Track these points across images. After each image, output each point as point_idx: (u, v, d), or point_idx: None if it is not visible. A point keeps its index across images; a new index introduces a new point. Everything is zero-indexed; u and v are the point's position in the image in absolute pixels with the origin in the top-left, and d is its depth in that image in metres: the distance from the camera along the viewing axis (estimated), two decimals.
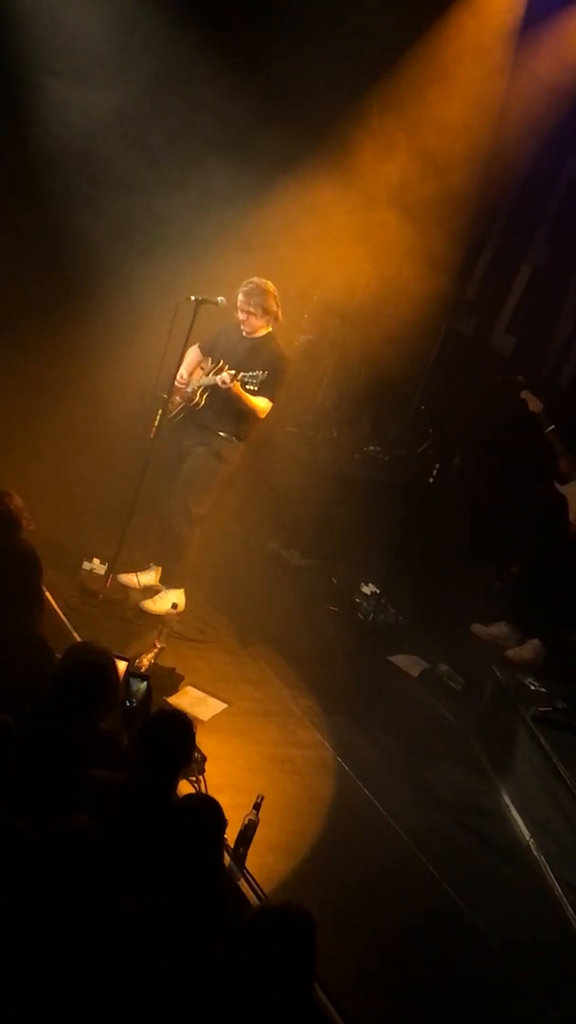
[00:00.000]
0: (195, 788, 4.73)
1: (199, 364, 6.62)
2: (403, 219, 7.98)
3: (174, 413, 6.53)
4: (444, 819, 5.54)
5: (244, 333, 6.42)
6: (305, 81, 7.68)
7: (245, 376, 6.08)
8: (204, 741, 4.82)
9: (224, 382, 6.06)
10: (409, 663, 6.99)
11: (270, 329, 6.44)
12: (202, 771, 4.81)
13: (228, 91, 7.56)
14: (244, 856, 4.35)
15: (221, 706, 5.70)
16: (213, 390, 6.31)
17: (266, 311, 6.33)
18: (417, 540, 7.48)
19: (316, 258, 7.82)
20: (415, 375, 9.16)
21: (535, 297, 8.76)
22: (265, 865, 4.50)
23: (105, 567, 6.44)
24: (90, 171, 7.64)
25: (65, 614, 5.92)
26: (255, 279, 6.36)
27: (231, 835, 4.24)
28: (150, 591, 6.58)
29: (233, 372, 6.08)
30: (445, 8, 8.00)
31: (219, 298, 6.18)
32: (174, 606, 6.16)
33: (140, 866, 3.43)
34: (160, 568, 6.67)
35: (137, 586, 6.54)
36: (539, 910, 5.10)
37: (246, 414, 6.31)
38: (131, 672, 4.83)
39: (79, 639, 5.50)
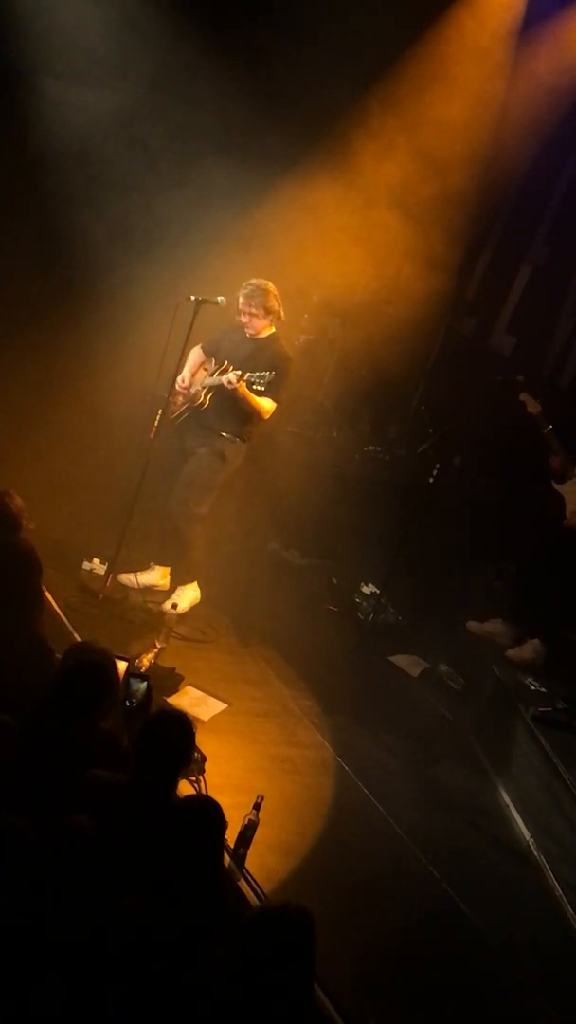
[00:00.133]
0: (195, 788, 4.73)
1: (202, 365, 6.63)
2: (403, 219, 7.98)
3: (177, 413, 6.54)
4: (444, 819, 5.54)
5: (248, 334, 6.42)
6: (305, 81, 7.69)
7: (252, 376, 6.07)
8: (204, 741, 4.82)
9: (230, 382, 6.06)
10: (409, 663, 7.00)
11: (273, 329, 6.44)
12: (202, 771, 4.81)
13: (228, 91, 7.56)
14: (244, 856, 4.35)
15: (221, 706, 5.70)
16: (218, 390, 6.31)
17: (268, 311, 6.33)
18: (417, 540, 7.48)
19: (316, 258, 7.83)
20: (415, 375, 9.16)
21: (535, 297, 8.76)
22: (265, 865, 4.50)
23: (105, 567, 6.44)
24: (90, 171, 7.64)
25: (65, 614, 5.91)
26: (255, 280, 6.36)
27: (231, 835, 4.23)
28: (150, 591, 6.59)
29: (239, 372, 6.08)
30: (445, 8, 8.00)
31: (219, 298, 6.18)
32: (174, 606, 6.18)
33: (140, 866, 3.43)
34: (162, 568, 6.68)
35: (137, 586, 6.54)
36: (539, 910, 5.10)
37: (250, 415, 6.32)
38: (131, 672, 4.83)
39: (79, 639, 5.50)
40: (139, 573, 6.60)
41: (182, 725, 3.99)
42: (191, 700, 5.64)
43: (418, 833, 5.20)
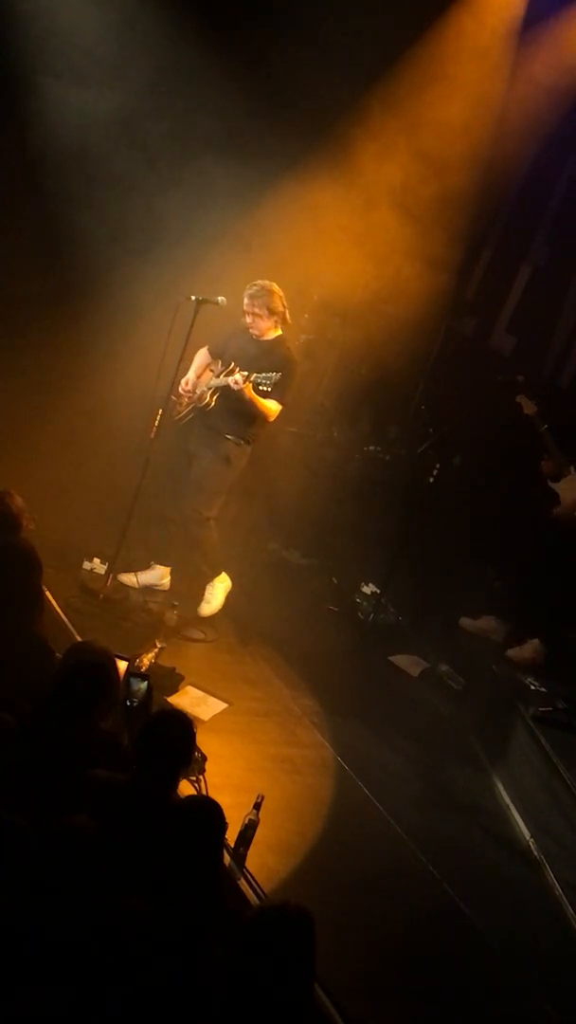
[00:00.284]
0: (195, 788, 4.73)
1: (208, 366, 6.63)
2: (403, 219, 7.97)
3: (182, 414, 6.54)
4: (444, 819, 5.54)
5: (253, 336, 6.42)
6: (305, 81, 7.69)
7: (258, 378, 6.07)
8: (204, 741, 4.82)
9: (236, 383, 6.07)
10: (409, 663, 7.00)
11: (280, 332, 6.44)
12: (202, 771, 4.82)
13: (228, 91, 7.56)
14: (244, 856, 4.35)
15: (221, 706, 5.70)
16: (224, 391, 6.31)
17: (272, 311, 6.33)
18: (417, 540, 7.49)
19: (316, 258, 7.82)
20: (415, 375, 9.16)
21: (535, 297, 8.76)
22: (265, 865, 4.50)
23: (105, 567, 6.44)
24: (89, 171, 7.64)
25: (65, 614, 5.92)
26: (259, 281, 6.36)
27: (231, 835, 4.24)
28: (151, 590, 6.60)
29: (245, 374, 6.08)
30: (445, 8, 7.99)
31: (219, 298, 6.18)
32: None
33: (140, 866, 3.44)
34: (163, 567, 6.68)
35: (137, 585, 6.55)
36: (539, 910, 5.10)
37: (255, 417, 6.32)
38: (131, 672, 4.84)
39: (79, 639, 5.50)
40: (139, 572, 6.61)
41: (182, 725, 3.99)
42: (191, 700, 5.64)
43: (418, 833, 5.20)
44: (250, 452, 6.55)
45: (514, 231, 8.99)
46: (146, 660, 5.41)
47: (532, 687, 6.33)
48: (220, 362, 6.54)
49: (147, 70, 7.47)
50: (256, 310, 6.32)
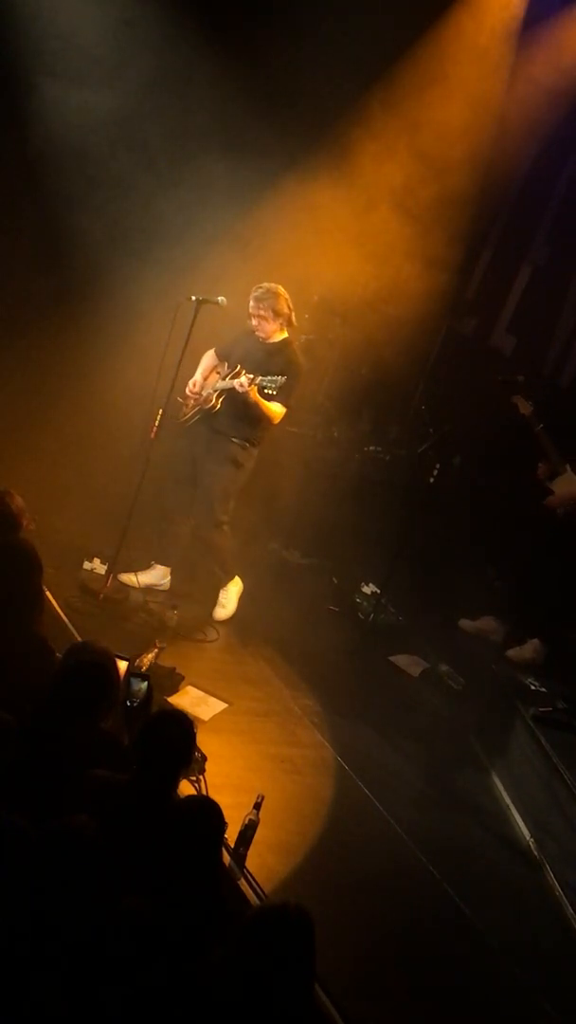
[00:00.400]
0: (195, 788, 4.73)
1: (215, 369, 6.64)
2: (403, 219, 7.97)
3: (188, 416, 6.55)
4: (444, 819, 5.54)
5: (259, 339, 6.43)
6: (305, 81, 7.69)
7: (264, 380, 6.08)
8: (204, 741, 4.82)
9: (242, 385, 6.08)
10: (409, 663, 7.00)
11: (286, 334, 6.45)
12: (202, 771, 4.82)
13: (227, 91, 7.56)
14: (244, 856, 4.35)
15: (222, 706, 5.70)
16: (230, 394, 6.33)
17: (277, 314, 6.34)
18: (417, 540, 7.48)
19: (316, 258, 7.82)
20: (415, 375, 9.16)
21: (535, 297, 8.76)
22: (265, 865, 4.50)
23: (106, 567, 6.45)
24: (89, 171, 7.64)
25: (65, 614, 5.92)
26: (265, 284, 6.38)
27: (231, 835, 4.24)
28: (151, 590, 6.60)
29: (251, 376, 6.09)
30: (445, 9, 7.99)
31: (220, 298, 6.19)
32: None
33: (140, 866, 3.44)
34: (163, 567, 6.69)
35: (137, 585, 6.55)
36: (539, 910, 5.10)
37: (260, 419, 6.33)
38: (132, 672, 4.84)
39: (79, 639, 5.50)
40: (140, 572, 6.61)
41: (182, 725, 4.00)
42: (191, 700, 5.64)
43: (418, 833, 5.20)
44: (257, 454, 6.56)
45: (514, 231, 8.99)
46: (146, 660, 5.41)
47: (532, 687, 6.33)
48: (227, 364, 6.56)
49: (147, 70, 7.47)
50: (262, 312, 6.33)
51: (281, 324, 6.41)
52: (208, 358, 6.69)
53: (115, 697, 4.35)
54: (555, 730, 5.88)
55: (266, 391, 6.10)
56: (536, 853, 5.42)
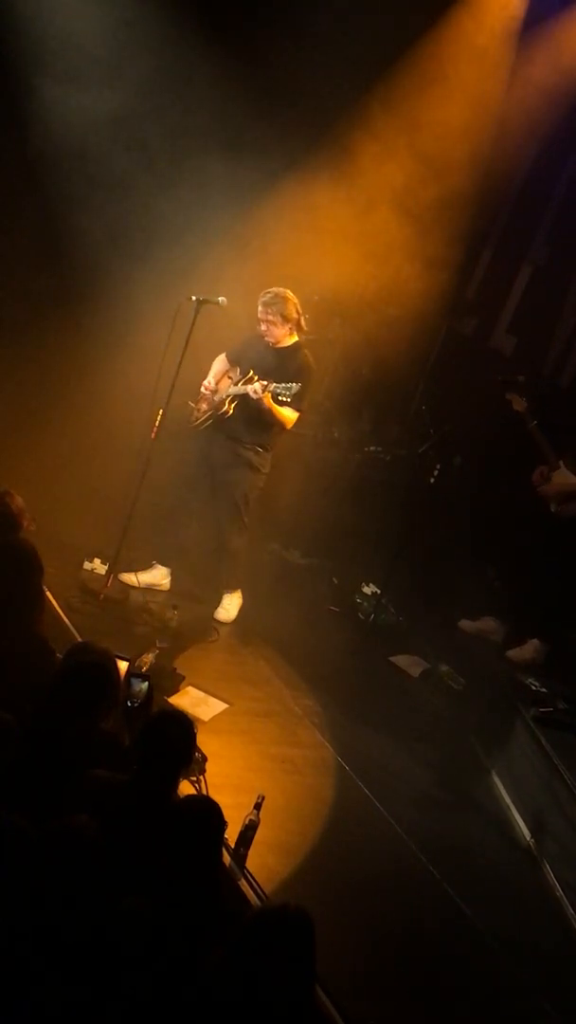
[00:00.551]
0: (196, 788, 4.73)
1: (226, 373, 6.64)
2: (403, 219, 7.97)
3: (200, 420, 6.56)
4: (444, 819, 5.54)
5: (269, 343, 6.42)
6: (305, 81, 7.69)
7: (278, 388, 6.09)
8: (205, 741, 4.82)
9: (256, 392, 6.09)
10: (410, 663, 7.00)
11: (296, 338, 6.46)
12: (203, 771, 4.81)
13: (227, 91, 7.56)
14: (244, 856, 4.35)
15: (222, 706, 5.70)
16: (242, 400, 6.33)
17: (286, 319, 6.34)
18: (418, 540, 7.48)
19: (316, 258, 7.81)
20: (416, 375, 9.16)
21: (536, 297, 8.76)
22: (266, 865, 4.50)
23: (106, 567, 6.45)
24: (89, 171, 7.64)
25: (66, 614, 5.92)
26: (273, 288, 6.38)
27: (232, 835, 4.24)
28: (151, 590, 6.61)
29: (264, 383, 6.10)
30: (444, 9, 7.99)
31: (220, 298, 6.19)
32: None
33: (140, 866, 3.44)
34: (164, 567, 6.68)
35: (137, 584, 6.55)
36: (539, 910, 5.10)
37: (273, 424, 6.36)
38: (132, 672, 4.84)
39: (80, 639, 5.50)
40: (140, 572, 6.61)
41: (183, 725, 4.00)
42: (192, 700, 5.64)
43: (418, 833, 5.20)
44: (271, 458, 6.59)
45: (514, 231, 8.99)
46: (147, 660, 5.40)
47: (532, 687, 6.33)
48: (238, 369, 6.55)
49: (146, 70, 7.47)
50: (270, 318, 6.33)
51: (291, 328, 6.41)
52: (219, 362, 6.69)
53: (115, 697, 4.35)
54: (555, 730, 5.89)
55: (280, 398, 6.11)
56: (536, 853, 5.42)
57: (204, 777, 4.80)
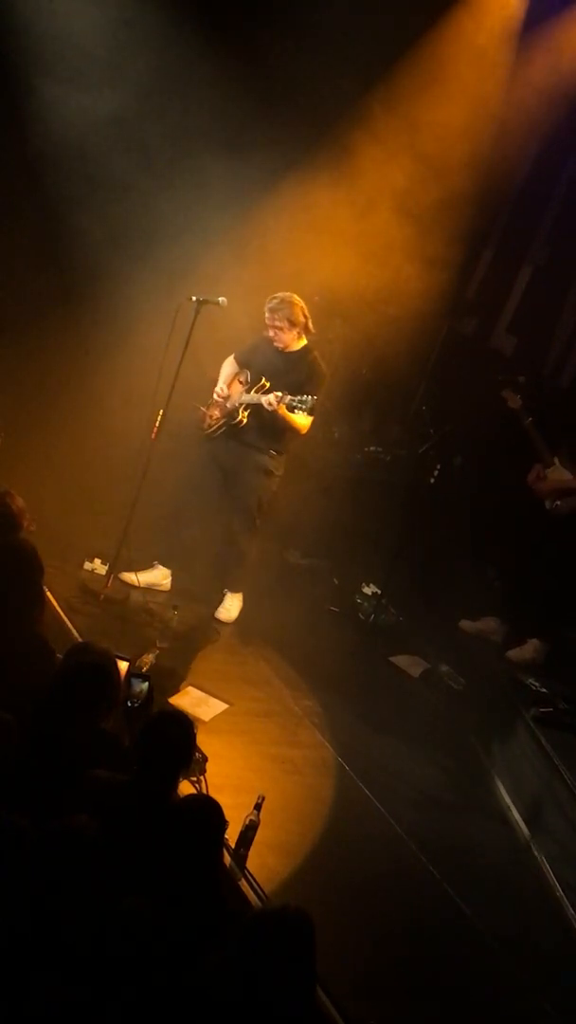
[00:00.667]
0: (196, 788, 4.73)
1: (236, 377, 6.64)
2: (403, 219, 7.97)
3: (214, 428, 6.56)
4: (444, 819, 5.54)
5: (279, 348, 6.42)
6: (305, 81, 7.68)
7: (293, 401, 6.10)
8: (205, 741, 4.82)
9: (270, 404, 6.10)
10: (410, 663, 7.00)
11: (304, 342, 6.45)
12: (203, 771, 4.81)
13: (227, 91, 7.56)
14: (245, 856, 4.35)
15: (222, 706, 5.70)
16: (256, 408, 6.32)
17: (293, 323, 6.34)
18: (418, 540, 7.48)
19: (316, 258, 7.81)
20: (416, 375, 9.16)
21: (536, 297, 8.76)
22: (266, 865, 4.50)
23: (106, 567, 6.45)
24: (89, 171, 7.64)
25: (66, 614, 5.92)
26: (279, 294, 6.38)
27: (232, 835, 4.24)
28: (152, 590, 6.61)
29: (279, 395, 6.11)
30: (444, 9, 7.99)
31: (220, 298, 6.19)
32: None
33: (140, 866, 3.44)
34: (164, 567, 6.68)
35: (138, 584, 6.55)
36: (539, 910, 5.10)
37: (287, 430, 6.37)
38: (132, 672, 4.84)
39: (80, 639, 5.50)
40: (141, 572, 6.61)
41: (183, 725, 4.00)
42: (192, 700, 5.64)
43: (418, 833, 5.20)
44: (286, 460, 6.61)
45: (514, 231, 8.99)
46: (147, 660, 5.41)
47: (532, 687, 6.33)
48: (248, 373, 6.55)
49: (146, 71, 7.47)
50: (277, 323, 6.33)
51: (299, 332, 6.40)
52: (229, 365, 6.68)
53: (116, 698, 4.35)
54: (555, 730, 5.89)
55: (295, 411, 6.12)
56: (536, 853, 5.42)
57: (204, 777, 4.80)
